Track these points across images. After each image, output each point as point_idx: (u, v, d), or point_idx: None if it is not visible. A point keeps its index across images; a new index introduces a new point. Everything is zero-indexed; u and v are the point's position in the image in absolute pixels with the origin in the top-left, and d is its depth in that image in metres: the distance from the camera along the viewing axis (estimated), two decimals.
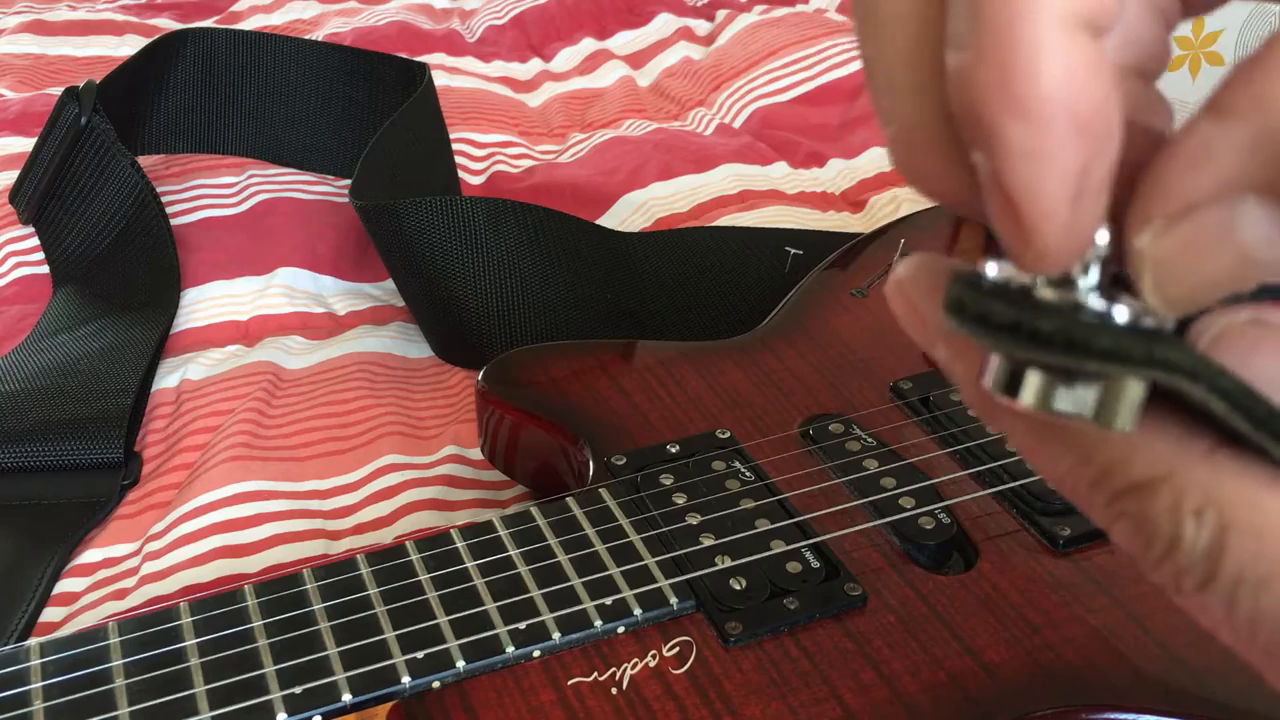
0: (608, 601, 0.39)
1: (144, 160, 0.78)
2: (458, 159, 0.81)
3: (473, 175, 0.84)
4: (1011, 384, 0.17)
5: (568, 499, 0.43)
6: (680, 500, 0.44)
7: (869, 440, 0.47)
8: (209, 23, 1.13)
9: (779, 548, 0.42)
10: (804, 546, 0.42)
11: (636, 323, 0.64)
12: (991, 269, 0.17)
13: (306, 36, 0.94)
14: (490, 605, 0.39)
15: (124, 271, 0.68)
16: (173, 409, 0.60)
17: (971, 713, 0.36)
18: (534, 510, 0.43)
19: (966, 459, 0.46)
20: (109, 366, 0.60)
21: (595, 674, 0.37)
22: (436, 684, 0.36)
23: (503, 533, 0.42)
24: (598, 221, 0.76)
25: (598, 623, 0.38)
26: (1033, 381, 0.17)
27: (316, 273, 0.72)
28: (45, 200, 0.72)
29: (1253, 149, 0.15)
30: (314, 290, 0.71)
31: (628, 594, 0.39)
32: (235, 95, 0.81)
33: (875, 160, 0.85)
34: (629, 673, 0.37)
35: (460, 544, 0.41)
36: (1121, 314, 0.16)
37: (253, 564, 0.50)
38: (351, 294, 0.71)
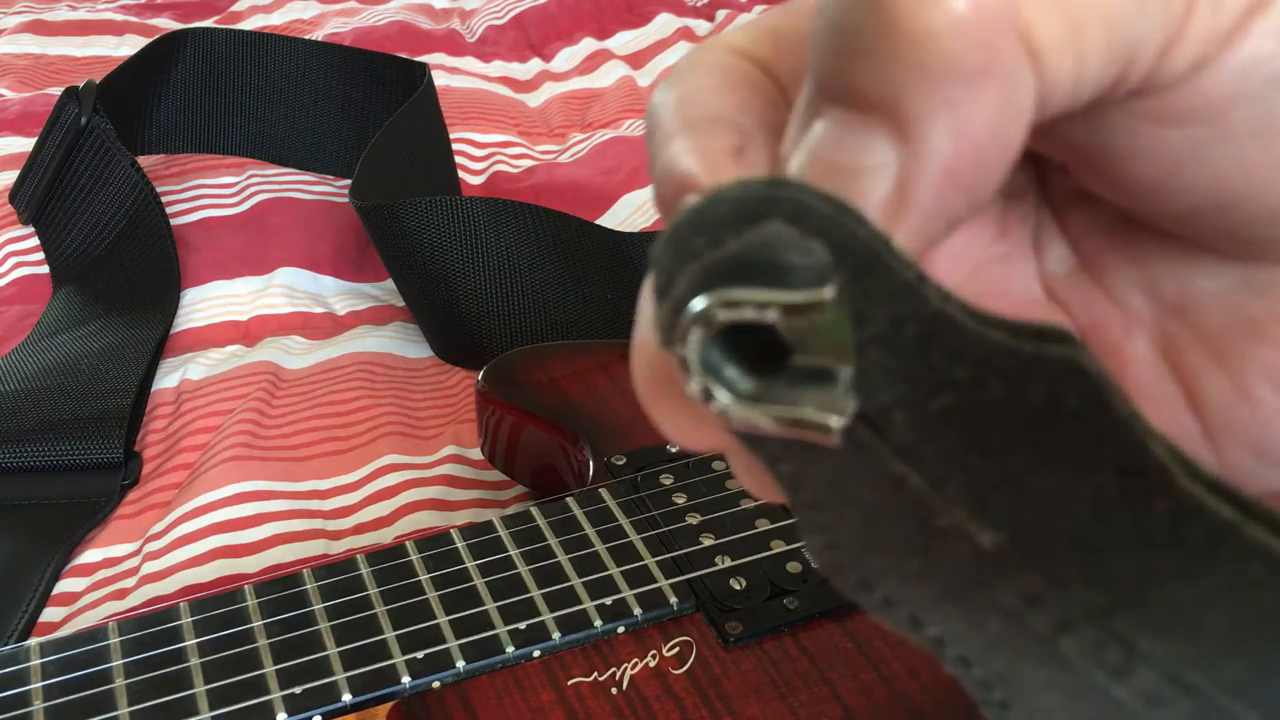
0: (608, 602, 0.39)
1: (144, 160, 0.78)
2: (458, 159, 0.81)
3: (473, 175, 0.84)
4: None
5: (568, 499, 0.43)
6: (680, 500, 0.44)
7: None
8: (209, 23, 1.13)
9: (779, 548, 0.42)
10: (804, 546, 0.42)
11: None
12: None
13: (306, 36, 0.94)
14: (490, 605, 0.39)
15: (124, 271, 0.68)
16: (173, 409, 0.60)
17: (972, 713, 0.36)
18: (534, 510, 0.43)
19: None
20: (109, 366, 0.60)
21: (595, 674, 0.37)
22: (436, 684, 0.36)
23: (503, 533, 0.42)
24: (598, 221, 0.76)
25: (598, 623, 0.38)
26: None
27: (316, 273, 0.72)
28: (45, 200, 0.72)
29: None
30: (314, 290, 0.71)
31: (628, 594, 0.39)
32: (235, 95, 0.81)
33: None
34: (629, 673, 0.37)
35: (460, 544, 0.41)
36: None
37: (253, 564, 0.50)
38: (351, 294, 0.71)
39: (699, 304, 0.14)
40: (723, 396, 0.14)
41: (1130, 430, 0.13)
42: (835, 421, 0.14)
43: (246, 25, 1.11)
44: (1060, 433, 0.14)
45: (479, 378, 0.52)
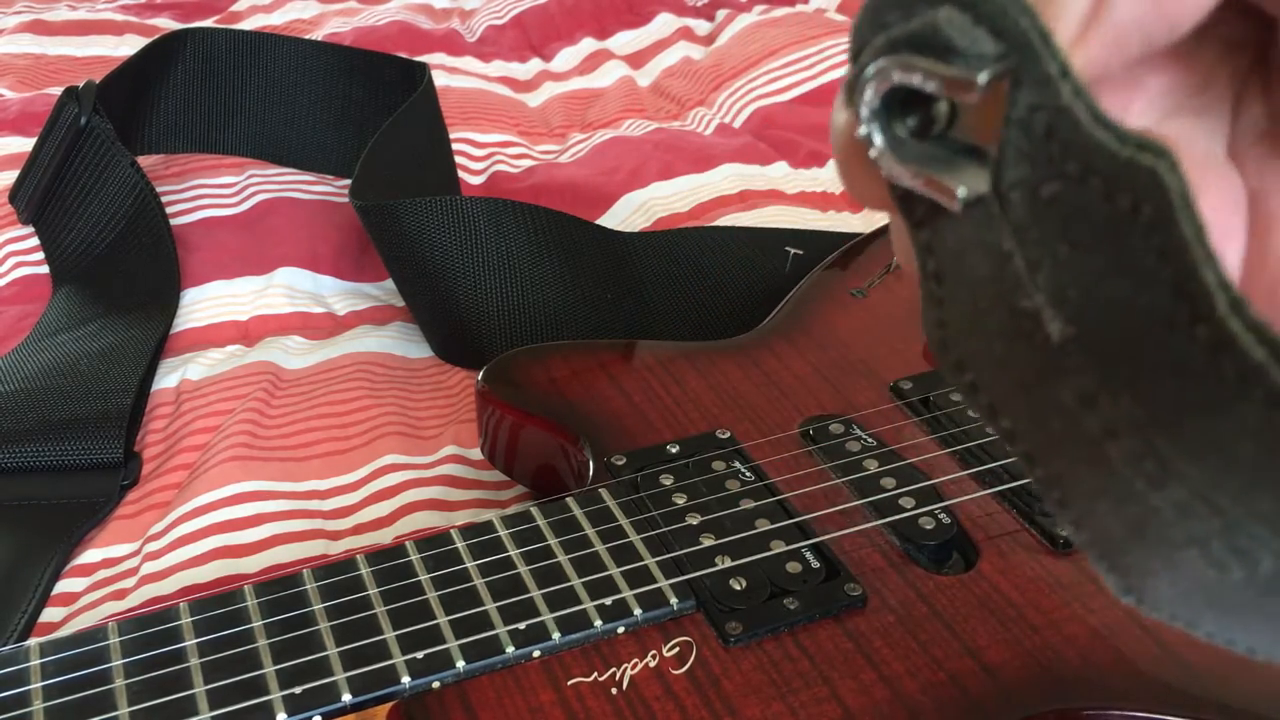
0: (608, 602, 0.39)
1: (144, 160, 0.78)
2: (458, 159, 0.81)
3: (473, 175, 0.84)
4: None
5: (568, 499, 0.43)
6: (680, 500, 0.44)
7: (869, 440, 0.47)
8: (209, 23, 1.13)
9: (779, 548, 0.42)
10: (804, 547, 0.42)
11: (636, 323, 0.64)
12: None
13: (306, 36, 0.94)
14: (490, 605, 0.39)
15: (124, 271, 0.68)
16: (172, 409, 0.60)
17: (972, 713, 0.36)
18: (534, 510, 0.43)
19: (967, 459, 0.46)
20: (109, 366, 0.60)
21: (595, 674, 0.37)
22: (436, 684, 0.36)
23: (503, 533, 0.42)
24: (598, 221, 0.76)
25: (598, 623, 0.38)
26: None
27: (316, 273, 0.72)
28: (45, 200, 0.72)
29: None
30: (314, 290, 0.71)
31: (628, 594, 0.39)
32: (235, 95, 0.81)
33: None
34: (629, 673, 0.37)
35: (460, 544, 0.41)
36: None
37: (252, 564, 0.50)
38: (351, 294, 0.71)
39: (880, 62, 0.16)
40: (880, 144, 0.17)
41: (1188, 250, 0.14)
42: (962, 191, 0.16)
43: (246, 25, 1.11)
44: (1134, 241, 0.15)
45: (479, 378, 0.52)
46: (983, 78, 0.15)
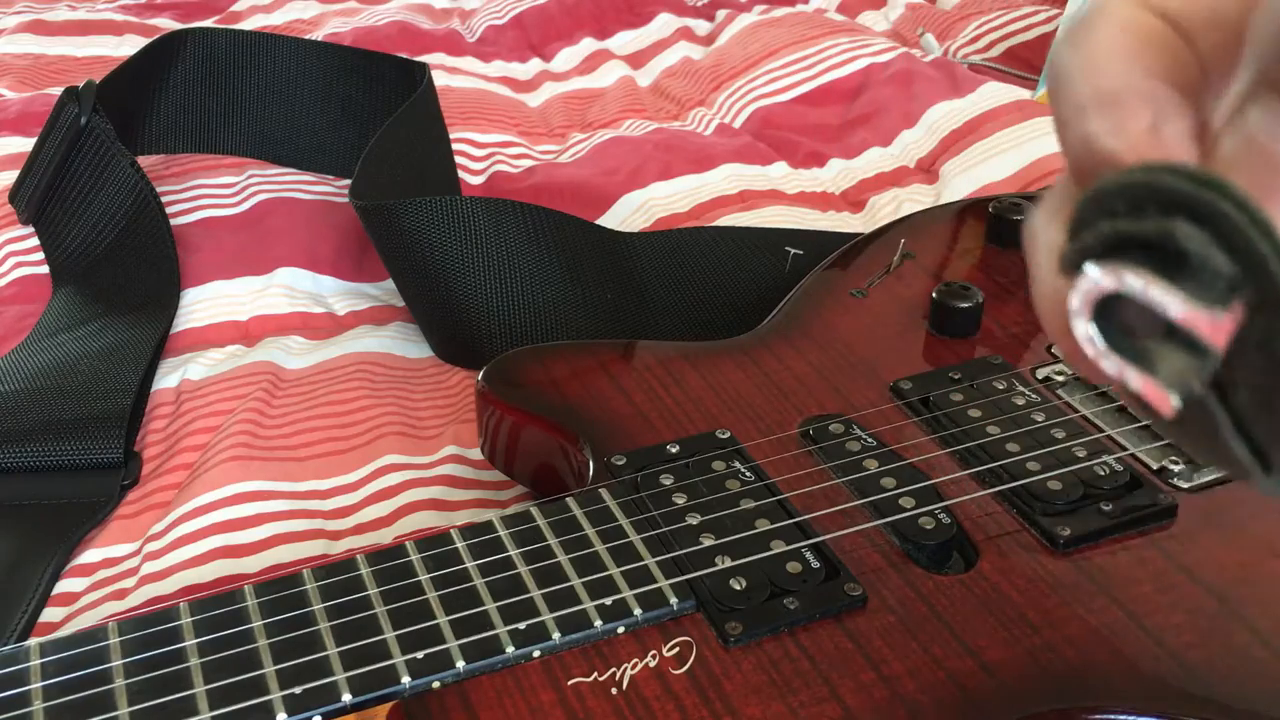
0: (608, 602, 0.39)
1: (144, 160, 0.78)
2: (458, 159, 0.81)
3: (473, 175, 0.84)
4: None
5: (568, 499, 0.43)
6: (680, 500, 0.44)
7: (869, 440, 0.47)
8: (209, 23, 1.13)
9: (779, 548, 0.42)
10: (804, 546, 0.42)
11: (636, 323, 0.64)
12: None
13: (306, 36, 0.94)
14: (490, 605, 0.39)
15: (124, 271, 0.68)
16: (173, 409, 0.60)
17: (971, 713, 0.36)
18: (534, 510, 0.43)
19: (966, 459, 0.46)
20: (109, 366, 0.60)
21: (595, 674, 0.37)
22: (436, 684, 0.36)
23: (503, 533, 0.42)
24: (598, 221, 0.76)
25: (598, 623, 0.38)
26: None
27: (316, 273, 0.72)
28: (45, 200, 0.72)
29: None
30: (314, 290, 0.71)
31: (628, 594, 0.39)
32: (235, 95, 0.81)
33: (875, 160, 0.85)
34: (629, 673, 0.37)
35: (460, 544, 0.41)
36: None
37: (253, 564, 0.50)
38: (351, 294, 0.71)
39: (1108, 266, 0.16)
40: (1096, 339, 0.17)
41: None
42: (1176, 402, 0.16)
43: (246, 25, 1.11)
44: None
45: (479, 378, 0.52)
46: (1220, 319, 0.15)
